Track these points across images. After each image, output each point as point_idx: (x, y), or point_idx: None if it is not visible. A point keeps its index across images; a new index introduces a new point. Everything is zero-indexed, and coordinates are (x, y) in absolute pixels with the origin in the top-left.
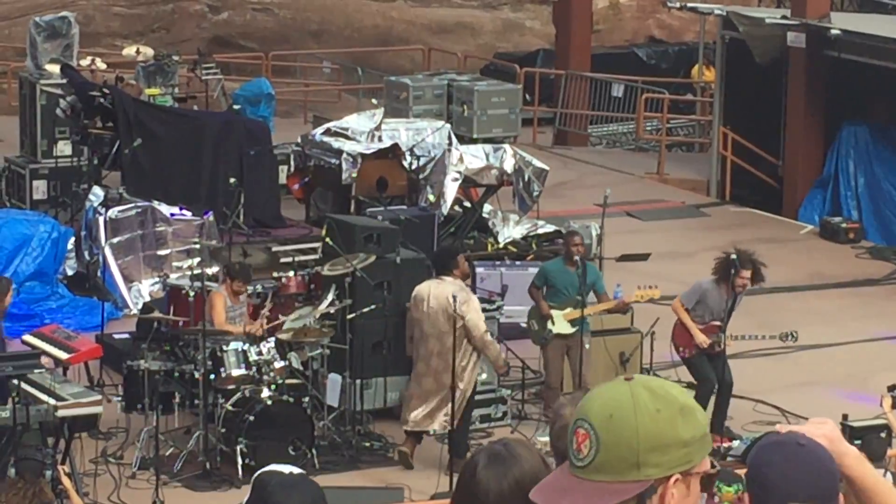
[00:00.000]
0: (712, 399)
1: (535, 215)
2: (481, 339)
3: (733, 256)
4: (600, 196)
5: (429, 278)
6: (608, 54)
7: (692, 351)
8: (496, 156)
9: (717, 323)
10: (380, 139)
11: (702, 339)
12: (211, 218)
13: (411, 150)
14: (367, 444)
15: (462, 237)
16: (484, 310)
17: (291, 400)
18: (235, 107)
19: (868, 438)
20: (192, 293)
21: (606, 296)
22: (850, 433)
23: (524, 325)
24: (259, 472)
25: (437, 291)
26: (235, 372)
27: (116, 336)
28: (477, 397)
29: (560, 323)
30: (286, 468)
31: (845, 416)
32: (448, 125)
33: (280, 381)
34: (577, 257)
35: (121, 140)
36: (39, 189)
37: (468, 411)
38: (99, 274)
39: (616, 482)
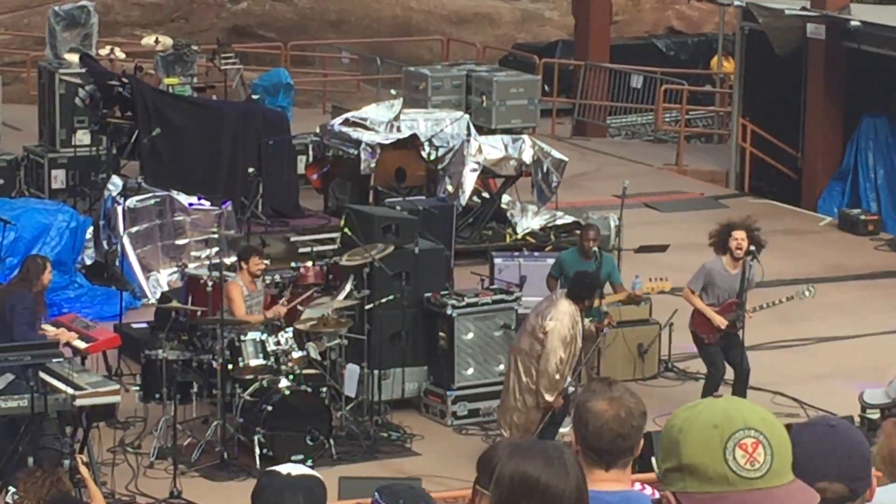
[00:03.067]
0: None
1: (553, 206)
2: (545, 372)
3: (731, 219)
4: (619, 187)
5: (446, 268)
6: (627, 45)
7: (715, 337)
8: (515, 146)
9: (734, 300)
10: (398, 129)
11: (719, 321)
12: (229, 208)
13: (430, 140)
14: (385, 435)
15: (481, 228)
16: (502, 301)
17: (309, 390)
18: (254, 97)
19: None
20: (210, 283)
21: (622, 287)
22: (868, 426)
23: None
24: (259, 476)
25: (541, 308)
26: (253, 362)
27: (134, 325)
28: (495, 388)
29: None
30: (286, 468)
31: (864, 409)
32: (467, 116)
33: (298, 372)
34: (594, 249)
35: (139, 129)
36: (58, 178)
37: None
38: (117, 263)
39: (792, 482)
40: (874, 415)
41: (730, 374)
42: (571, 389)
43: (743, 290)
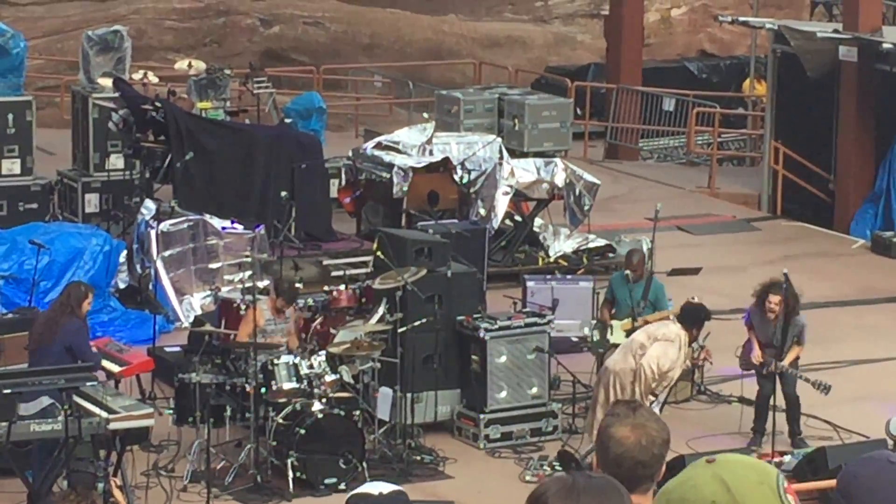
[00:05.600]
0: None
1: (585, 229)
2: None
3: (776, 280)
4: (651, 210)
5: (481, 292)
6: (659, 68)
7: (746, 365)
8: (547, 170)
9: (774, 347)
10: (431, 153)
11: (755, 355)
12: (262, 231)
13: (462, 163)
14: (418, 458)
15: (513, 251)
16: (535, 324)
17: (342, 413)
18: (287, 120)
19: None
20: (243, 306)
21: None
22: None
23: (575, 339)
24: (350, 494)
25: (650, 329)
26: (286, 385)
27: (168, 349)
28: (528, 411)
29: (617, 333)
30: (377, 488)
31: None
32: (499, 139)
33: (331, 395)
34: (628, 273)
35: (172, 153)
36: (92, 202)
37: None
38: (150, 287)
39: None
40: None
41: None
42: (657, 409)
43: (783, 342)
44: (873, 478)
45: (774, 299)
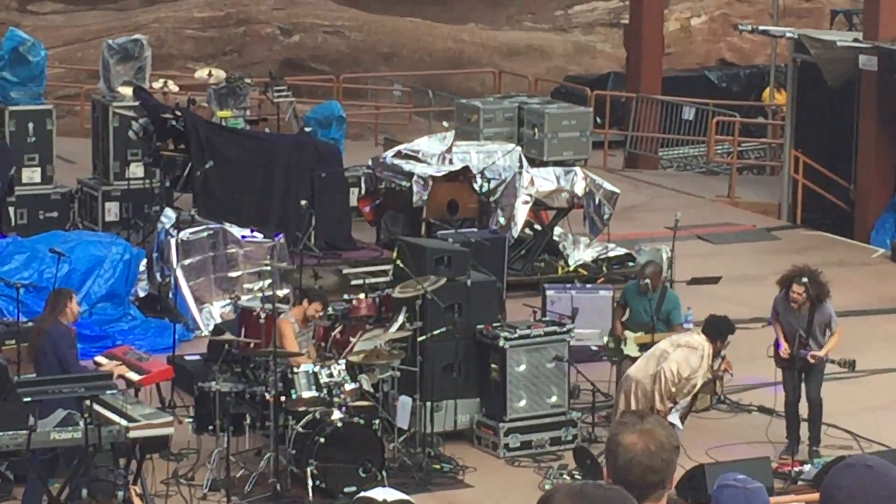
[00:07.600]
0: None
1: (605, 238)
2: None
3: (796, 268)
4: (671, 219)
5: (500, 302)
6: (679, 77)
7: (782, 362)
8: (567, 178)
9: (801, 337)
10: (450, 162)
11: (783, 350)
12: (282, 240)
13: (482, 172)
14: (438, 467)
15: (533, 260)
16: (554, 333)
17: (362, 422)
18: (307, 129)
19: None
20: (262, 315)
21: (681, 326)
22: None
23: (595, 348)
24: (356, 496)
25: (674, 338)
26: (306, 394)
27: (188, 357)
28: (547, 420)
29: (630, 345)
30: (383, 494)
31: None
32: (519, 148)
33: (350, 403)
34: (646, 283)
35: (192, 162)
36: (112, 211)
37: None
38: (170, 295)
39: None
40: None
41: None
42: (677, 417)
43: (809, 331)
44: (852, 484)
45: (798, 289)
